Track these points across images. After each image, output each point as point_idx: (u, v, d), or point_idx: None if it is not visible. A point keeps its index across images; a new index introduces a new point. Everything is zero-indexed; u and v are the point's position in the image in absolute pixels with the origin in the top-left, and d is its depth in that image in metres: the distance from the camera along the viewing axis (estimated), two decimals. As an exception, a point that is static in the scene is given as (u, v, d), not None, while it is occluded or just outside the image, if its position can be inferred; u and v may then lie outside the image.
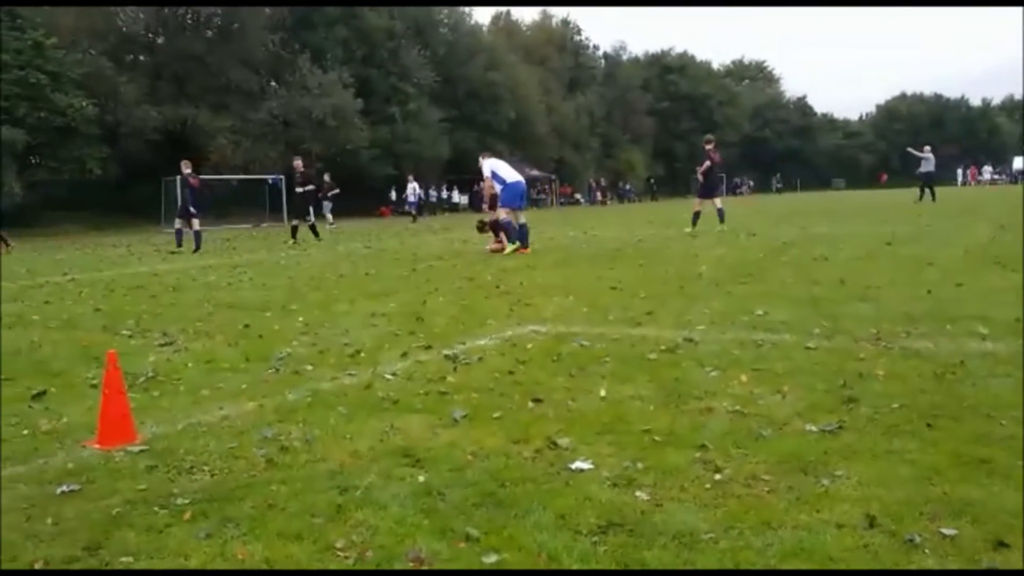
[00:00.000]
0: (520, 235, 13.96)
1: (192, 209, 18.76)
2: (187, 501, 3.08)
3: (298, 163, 20.97)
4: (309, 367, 5.36)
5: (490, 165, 14.30)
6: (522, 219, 14.27)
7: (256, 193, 36.61)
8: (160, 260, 15.90)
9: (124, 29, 39.76)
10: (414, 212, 34.86)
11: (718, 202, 18.15)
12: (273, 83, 42.44)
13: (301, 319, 7.44)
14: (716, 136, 21.49)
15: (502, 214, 13.97)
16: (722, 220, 17.55)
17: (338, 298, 8.86)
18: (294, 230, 20.56)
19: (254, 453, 3.62)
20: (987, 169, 74.13)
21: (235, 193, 37.50)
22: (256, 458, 3.56)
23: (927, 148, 29.90)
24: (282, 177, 31.82)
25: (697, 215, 17.80)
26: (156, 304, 8.93)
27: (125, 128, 35.39)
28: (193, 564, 2.59)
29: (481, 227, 15.67)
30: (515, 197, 14.14)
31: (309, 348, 6.02)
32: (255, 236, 22.70)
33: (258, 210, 36.17)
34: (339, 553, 2.61)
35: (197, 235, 18.54)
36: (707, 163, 17.98)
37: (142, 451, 3.69)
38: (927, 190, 29.33)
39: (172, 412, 4.35)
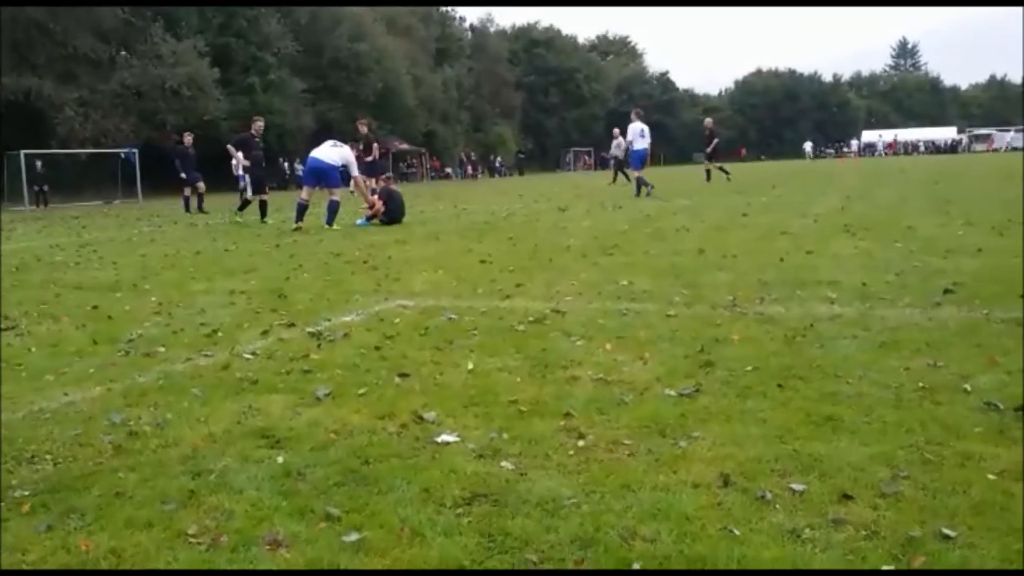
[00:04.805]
0: (301, 211, 14.01)
1: (183, 175, 20.64)
2: (27, 492, 2.90)
3: (260, 124, 16.67)
4: (162, 348, 5.12)
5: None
6: (335, 196, 14.07)
7: (108, 168, 34.62)
8: (4, 240, 14.87)
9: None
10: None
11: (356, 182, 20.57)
12: (124, 52, 40.16)
13: (154, 299, 7.10)
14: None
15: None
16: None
17: (195, 276, 8.51)
18: (263, 205, 16.80)
19: (101, 440, 3.42)
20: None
21: (85, 168, 35.39)
22: (103, 445, 3.37)
23: (616, 131, 30.60)
24: (135, 151, 29.99)
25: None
26: (-4, 286, 8.35)
27: (-41, 99, 32.83)
28: (32, 558, 2.44)
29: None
30: (305, 175, 14.68)
31: (162, 329, 5.75)
32: (107, 213, 21.52)
33: (110, 186, 34.23)
34: (191, 539, 2.50)
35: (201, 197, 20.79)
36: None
37: (-24, 443, 3.44)
38: (620, 173, 29.54)
39: (12, 399, 4.07)
